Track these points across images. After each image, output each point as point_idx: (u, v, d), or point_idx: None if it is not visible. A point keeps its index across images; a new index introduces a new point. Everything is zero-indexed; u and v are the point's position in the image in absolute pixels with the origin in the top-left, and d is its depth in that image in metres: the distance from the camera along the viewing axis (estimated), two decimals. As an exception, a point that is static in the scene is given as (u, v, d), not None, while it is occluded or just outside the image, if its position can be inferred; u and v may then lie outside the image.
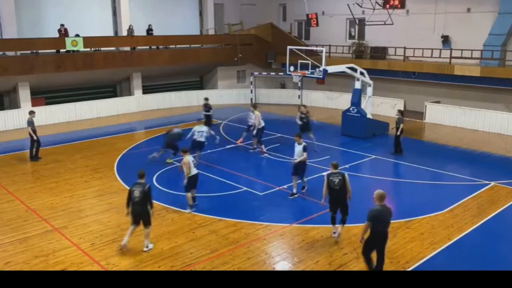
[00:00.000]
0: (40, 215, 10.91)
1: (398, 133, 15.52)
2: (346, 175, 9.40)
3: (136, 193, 8.83)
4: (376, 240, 7.68)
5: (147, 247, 9.14)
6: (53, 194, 12.29)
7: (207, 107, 18.49)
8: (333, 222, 9.60)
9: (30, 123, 15.32)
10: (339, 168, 9.65)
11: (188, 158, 10.80)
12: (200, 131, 14.32)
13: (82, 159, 15.58)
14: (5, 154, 16.26)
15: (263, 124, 15.73)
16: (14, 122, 20.10)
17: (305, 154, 11.57)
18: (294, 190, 11.94)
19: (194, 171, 10.87)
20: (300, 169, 11.76)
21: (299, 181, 12.04)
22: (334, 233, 9.64)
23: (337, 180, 9.21)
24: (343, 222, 9.45)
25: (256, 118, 15.61)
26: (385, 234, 7.72)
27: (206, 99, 18.74)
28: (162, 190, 12.45)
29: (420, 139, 18.40)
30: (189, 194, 10.96)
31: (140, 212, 8.89)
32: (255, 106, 16.62)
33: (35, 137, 15.33)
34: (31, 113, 15.64)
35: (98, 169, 14.40)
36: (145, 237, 9.16)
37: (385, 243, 7.79)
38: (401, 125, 15.48)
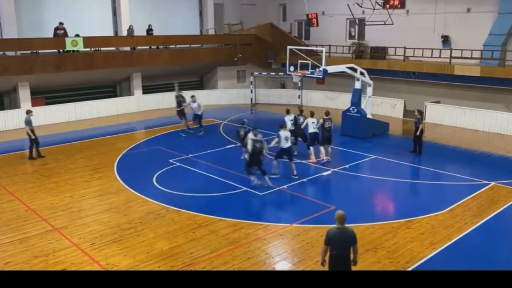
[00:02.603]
0: (40, 215, 10.92)
1: (418, 133, 15.54)
2: (264, 142, 12.63)
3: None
4: (334, 265, 6.95)
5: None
6: (53, 194, 12.30)
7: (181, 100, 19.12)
8: (251, 173, 12.64)
9: (28, 122, 15.30)
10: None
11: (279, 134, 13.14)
12: (313, 122, 14.70)
13: (82, 159, 15.59)
14: (5, 154, 16.26)
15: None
16: (14, 122, 20.10)
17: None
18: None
19: (285, 144, 13.08)
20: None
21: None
22: (253, 181, 12.59)
23: (259, 146, 12.30)
24: (263, 172, 12.58)
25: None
26: (343, 258, 6.93)
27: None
28: (162, 190, 12.46)
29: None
30: (274, 162, 13.34)
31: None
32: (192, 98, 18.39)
33: (33, 136, 15.32)
34: (29, 112, 15.62)
35: (98, 169, 14.40)
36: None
37: (347, 269, 6.97)
38: (421, 126, 15.48)
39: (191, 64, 25.99)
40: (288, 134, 13.28)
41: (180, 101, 18.96)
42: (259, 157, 12.45)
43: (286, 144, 13.11)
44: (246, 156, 13.47)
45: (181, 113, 18.96)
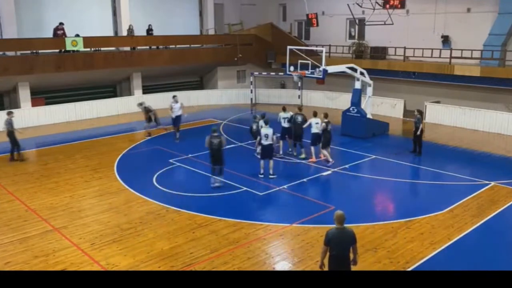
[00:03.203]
0: (40, 215, 10.92)
1: (418, 133, 15.53)
2: (223, 137, 12.51)
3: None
4: (334, 266, 6.96)
5: None
6: (53, 194, 12.30)
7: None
8: (214, 173, 12.52)
9: (9, 123, 15.13)
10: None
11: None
12: (317, 123, 14.58)
13: (82, 159, 15.59)
14: (5, 154, 16.23)
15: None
16: (14, 122, 20.05)
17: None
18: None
19: (265, 142, 13.08)
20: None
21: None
22: (213, 183, 12.46)
23: (216, 141, 12.25)
24: (220, 170, 12.50)
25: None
26: (343, 258, 6.95)
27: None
28: (162, 190, 12.46)
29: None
30: (261, 162, 13.35)
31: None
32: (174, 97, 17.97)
33: (10, 139, 15.12)
34: (10, 113, 15.49)
35: (98, 169, 14.40)
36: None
37: (347, 269, 6.97)
38: (421, 125, 15.47)
39: (191, 64, 25.99)
40: (270, 131, 13.07)
41: (147, 112, 18.40)
42: (219, 154, 12.33)
43: (265, 142, 13.12)
44: (258, 150, 14.04)
45: (156, 121, 18.48)
